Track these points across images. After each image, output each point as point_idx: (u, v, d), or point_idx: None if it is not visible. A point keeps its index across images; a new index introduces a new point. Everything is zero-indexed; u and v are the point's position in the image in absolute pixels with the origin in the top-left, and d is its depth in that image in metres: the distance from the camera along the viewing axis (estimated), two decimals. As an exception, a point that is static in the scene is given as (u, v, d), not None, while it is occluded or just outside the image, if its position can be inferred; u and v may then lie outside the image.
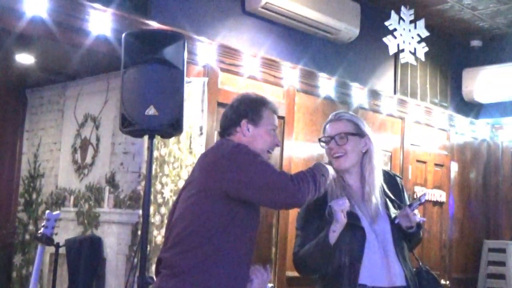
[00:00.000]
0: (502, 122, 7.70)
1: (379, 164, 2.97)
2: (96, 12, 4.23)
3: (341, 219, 2.70)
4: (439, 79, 7.30)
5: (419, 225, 2.93)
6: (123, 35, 3.16)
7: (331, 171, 2.77)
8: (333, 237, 2.72)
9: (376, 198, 2.89)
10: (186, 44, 3.22)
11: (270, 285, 2.83)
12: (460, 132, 7.44)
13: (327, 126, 2.99)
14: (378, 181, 2.93)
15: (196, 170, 2.65)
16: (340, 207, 2.69)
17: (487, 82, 7.34)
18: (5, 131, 6.61)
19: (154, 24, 4.52)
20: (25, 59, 5.30)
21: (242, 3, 5.32)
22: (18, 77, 6.12)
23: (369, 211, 2.86)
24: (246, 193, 2.49)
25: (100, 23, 4.25)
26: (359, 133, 2.94)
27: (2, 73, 5.95)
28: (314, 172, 2.63)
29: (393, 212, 2.92)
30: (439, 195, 6.97)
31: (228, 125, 2.72)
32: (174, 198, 4.46)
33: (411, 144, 6.74)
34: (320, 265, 2.82)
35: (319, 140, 2.99)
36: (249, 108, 2.70)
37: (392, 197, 2.98)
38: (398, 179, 3.10)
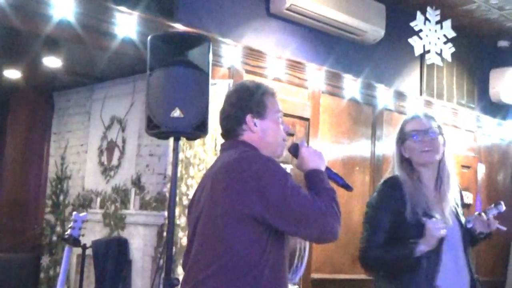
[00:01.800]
0: (530, 123, 7.61)
1: (453, 166, 2.98)
2: (122, 15, 4.27)
3: (434, 246, 2.69)
4: (465, 80, 7.24)
5: (490, 233, 2.93)
6: (149, 37, 3.18)
7: (323, 159, 2.45)
8: (418, 254, 2.70)
9: (450, 199, 2.88)
10: (211, 46, 3.22)
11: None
12: (487, 134, 7.37)
13: (410, 123, 2.97)
14: (454, 182, 2.94)
15: (218, 184, 2.28)
16: (438, 233, 2.66)
17: (515, 82, 7.25)
18: (33, 133, 6.69)
19: (179, 27, 4.55)
20: (52, 62, 5.35)
21: (266, 5, 5.32)
22: (46, 80, 6.19)
23: (443, 213, 2.84)
24: (277, 222, 2.20)
25: (126, 26, 4.28)
26: (442, 132, 2.97)
27: (30, 76, 6.02)
28: (333, 196, 2.28)
29: (462, 217, 2.92)
30: (466, 197, 6.89)
31: (231, 125, 2.43)
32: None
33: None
34: (397, 271, 2.79)
35: (409, 133, 2.92)
36: (251, 100, 2.40)
37: (459, 202, 2.99)
38: (458, 185, 3.08)
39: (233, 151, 2.35)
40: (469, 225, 2.86)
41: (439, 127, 2.98)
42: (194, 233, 2.34)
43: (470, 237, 2.90)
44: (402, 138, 2.96)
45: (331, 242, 2.28)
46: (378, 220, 2.84)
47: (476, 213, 2.93)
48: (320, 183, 2.32)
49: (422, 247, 2.68)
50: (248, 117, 2.39)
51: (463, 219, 2.92)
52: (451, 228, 2.82)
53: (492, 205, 2.98)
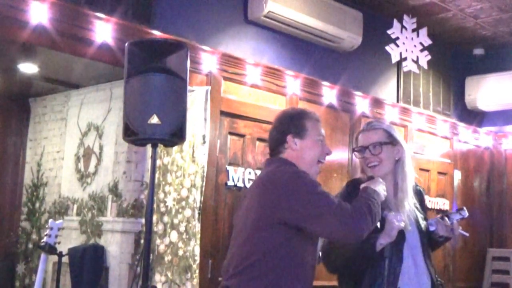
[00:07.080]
0: (505, 130, 7.69)
1: (411, 171, 2.98)
2: (99, 21, 4.24)
3: (394, 236, 2.71)
4: (442, 87, 7.30)
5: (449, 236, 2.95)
6: (126, 44, 3.17)
7: (382, 190, 2.72)
8: (379, 248, 2.73)
9: (409, 205, 2.90)
10: (189, 53, 3.22)
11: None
12: (463, 140, 7.43)
13: (360, 136, 3.02)
14: (411, 188, 2.95)
15: (255, 194, 2.62)
16: (398, 224, 2.69)
17: (490, 90, 7.34)
18: (9, 140, 6.63)
19: (157, 33, 4.53)
20: (28, 68, 5.32)
21: (244, 12, 5.32)
22: (21, 86, 6.14)
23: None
24: (303, 223, 2.48)
25: (103, 32, 4.26)
26: (392, 141, 2.96)
27: (6, 82, 5.97)
28: (369, 203, 2.57)
29: (421, 222, 2.93)
30: (442, 204, 6.95)
31: (275, 145, 2.74)
32: (177, 206, 4.47)
33: (414, 152, 6.73)
34: (358, 268, 2.82)
35: (353, 150, 3.05)
36: (291, 123, 2.73)
37: (419, 206, 3.00)
38: (421, 189, 3.12)
39: (272, 166, 2.67)
40: (432, 228, 2.89)
41: (389, 136, 2.97)
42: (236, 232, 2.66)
43: (430, 241, 2.92)
44: (355, 150, 3.05)
45: (355, 241, 2.54)
46: None
47: (439, 216, 2.95)
48: (363, 193, 2.64)
49: (382, 240, 2.71)
50: (289, 137, 2.71)
51: (423, 223, 2.94)
52: (409, 233, 2.85)
53: (455, 210, 3.03)
